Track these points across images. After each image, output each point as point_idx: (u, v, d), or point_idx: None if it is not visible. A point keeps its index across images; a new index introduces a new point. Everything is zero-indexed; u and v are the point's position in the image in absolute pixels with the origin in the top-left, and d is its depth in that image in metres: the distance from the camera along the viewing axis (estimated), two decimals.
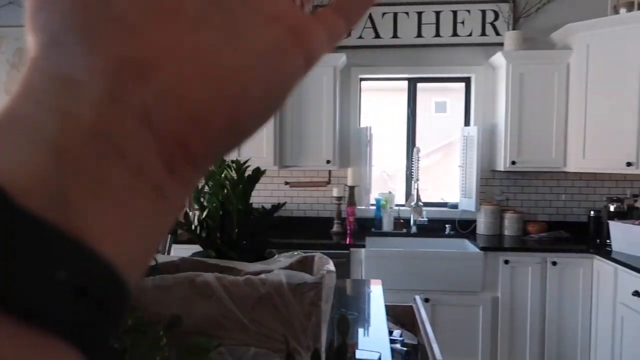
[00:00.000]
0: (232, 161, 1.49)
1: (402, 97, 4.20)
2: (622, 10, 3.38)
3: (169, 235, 2.12)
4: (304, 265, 1.40)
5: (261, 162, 3.61)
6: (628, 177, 3.78)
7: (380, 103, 4.47)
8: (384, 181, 4.57)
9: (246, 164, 1.52)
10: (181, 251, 2.58)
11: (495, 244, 3.47)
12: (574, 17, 3.62)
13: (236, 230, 1.54)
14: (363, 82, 4.13)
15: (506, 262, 3.30)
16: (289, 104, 3.69)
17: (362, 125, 4.05)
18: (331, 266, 1.22)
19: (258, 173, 1.57)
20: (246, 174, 1.55)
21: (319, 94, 3.68)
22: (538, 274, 3.29)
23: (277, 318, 1.06)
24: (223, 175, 1.52)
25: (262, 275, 1.11)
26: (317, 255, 1.36)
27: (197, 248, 1.64)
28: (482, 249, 3.35)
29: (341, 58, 3.70)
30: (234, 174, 1.53)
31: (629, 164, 3.22)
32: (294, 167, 3.74)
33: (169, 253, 2.13)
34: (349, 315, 1.85)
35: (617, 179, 3.81)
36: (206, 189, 1.58)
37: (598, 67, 3.35)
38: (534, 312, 3.31)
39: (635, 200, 3.56)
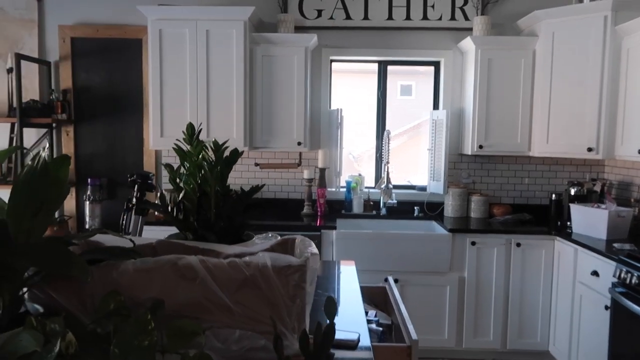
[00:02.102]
0: (213, 142, 1.45)
1: (370, 79, 4.21)
2: (586, 0, 3.47)
3: (140, 216, 2.07)
4: (285, 247, 1.40)
5: (231, 143, 3.55)
6: (587, 162, 3.92)
7: (348, 85, 4.46)
8: (349, 163, 4.59)
9: (225, 145, 1.50)
10: (150, 232, 2.54)
11: (462, 226, 3.55)
12: (540, 4, 3.70)
13: (214, 211, 1.51)
14: (333, 64, 4.11)
15: (473, 243, 3.39)
16: (259, 84, 3.64)
17: (332, 108, 4.04)
18: (314, 248, 1.22)
19: (236, 154, 1.55)
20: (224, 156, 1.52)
21: (290, 74, 3.64)
22: (503, 255, 3.39)
23: (262, 300, 1.05)
24: (200, 157, 1.49)
25: (247, 258, 1.10)
26: (298, 237, 1.36)
27: (166, 228, 1.60)
28: (450, 230, 3.42)
29: (312, 38, 3.66)
30: (211, 155, 1.50)
31: (589, 150, 3.34)
32: (264, 148, 3.70)
33: (140, 234, 2.08)
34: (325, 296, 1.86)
35: (578, 164, 3.95)
36: (182, 170, 1.55)
37: (562, 54, 3.44)
38: (498, 291, 3.42)
39: (594, 184, 3.70)
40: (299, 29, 3.88)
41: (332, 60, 4.06)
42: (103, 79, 3.96)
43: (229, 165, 1.54)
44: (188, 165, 1.51)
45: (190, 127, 1.53)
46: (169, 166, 1.55)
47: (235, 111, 3.56)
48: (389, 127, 4.11)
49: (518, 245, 3.38)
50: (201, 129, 1.57)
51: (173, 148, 1.57)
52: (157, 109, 3.57)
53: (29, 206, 0.95)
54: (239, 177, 3.99)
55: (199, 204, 1.51)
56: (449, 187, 3.88)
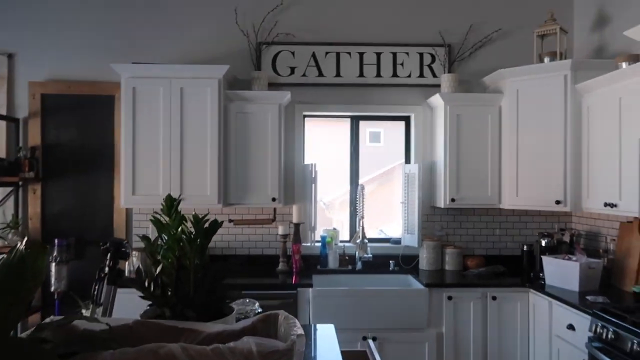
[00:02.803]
0: (193, 216, 1.43)
1: (340, 125, 4.28)
2: (546, 59, 3.65)
3: (112, 286, 1.99)
4: (267, 324, 1.36)
5: (205, 200, 3.54)
6: (556, 213, 4.03)
7: (320, 132, 4.52)
8: (321, 210, 4.60)
9: (205, 218, 1.47)
10: (124, 296, 2.43)
11: (438, 280, 3.55)
12: (504, 63, 3.87)
13: (193, 286, 1.47)
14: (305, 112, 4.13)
15: (449, 298, 3.38)
16: (233, 141, 3.64)
17: (306, 162, 4.06)
18: (299, 329, 1.19)
19: (216, 225, 1.53)
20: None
21: (264, 130, 3.66)
22: (479, 309, 3.39)
23: None
24: (180, 230, 1.46)
25: (231, 344, 1.06)
26: (282, 314, 1.33)
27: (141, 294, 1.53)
28: (426, 285, 3.41)
29: (286, 95, 3.72)
30: (191, 228, 1.47)
31: (558, 202, 3.43)
32: (239, 204, 3.67)
33: (112, 304, 2.00)
34: None
35: (546, 214, 4.05)
36: (159, 241, 1.51)
37: (527, 111, 3.59)
38: (477, 346, 3.40)
39: (563, 234, 3.78)
40: (273, 85, 3.94)
41: (305, 116, 4.12)
42: (74, 136, 3.90)
43: (209, 237, 1.51)
44: (167, 239, 1.48)
45: (169, 199, 1.51)
46: (146, 238, 1.51)
47: (209, 168, 3.55)
48: (359, 174, 4.16)
49: (494, 298, 3.39)
50: (181, 199, 1.54)
51: (150, 220, 1.54)
52: (129, 166, 3.52)
53: (2, 301, 0.90)
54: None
55: (177, 278, 1.47)
56: (423, 240, 3.91)
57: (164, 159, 3.53)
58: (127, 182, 3.51)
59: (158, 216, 1.50)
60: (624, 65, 3.07)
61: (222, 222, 1.56)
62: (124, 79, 3.54)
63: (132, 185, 3.52)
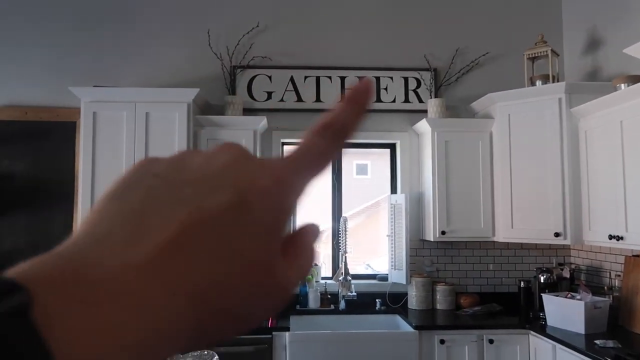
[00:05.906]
0: None
1: None
2: (538, 82, 3.45)
3: None
4: None
5: None
6: (553, 246, 3.75)
7: None
8: None
9: None
10: None
11: (429, 321, 3.23)
12: (492, 87, 3.65)
13: None
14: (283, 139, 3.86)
15: (442, 341, 3.05)
16: None
17: None
18: None
19: None
20: None
21: None
22: (475, 353, 3.06)
23: None
24: None
25: None
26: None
27: None
28: (415, 327, 3.09)
29: (262, 121, 3.46)
30: None
31: (557, 235, 3.16)
32: None
33: None
34: None
35: (543, 248, 3.77)
36: None
37: (520, 136, 3.35)
38: None
39: (562, 269, 3.50)
40: (248, 111, 3.68)
41: (283, 143, 3.85)
42: (29, 167, 3.57)
43: None
44: None
45: None
46: None
47: None
48: (346, 207, 3.87)
49: (491, 342, 3.07)
50: None
51: None
52: (88, 198, 3.20)
53: None
54: None
55: None
56: (412, 277, 3.59)
57: None
58: (85, 216, 3.18)
59: None
60: (622, 86, 2.86)
61: None
62: (84, 103, 3.25)
63: None
